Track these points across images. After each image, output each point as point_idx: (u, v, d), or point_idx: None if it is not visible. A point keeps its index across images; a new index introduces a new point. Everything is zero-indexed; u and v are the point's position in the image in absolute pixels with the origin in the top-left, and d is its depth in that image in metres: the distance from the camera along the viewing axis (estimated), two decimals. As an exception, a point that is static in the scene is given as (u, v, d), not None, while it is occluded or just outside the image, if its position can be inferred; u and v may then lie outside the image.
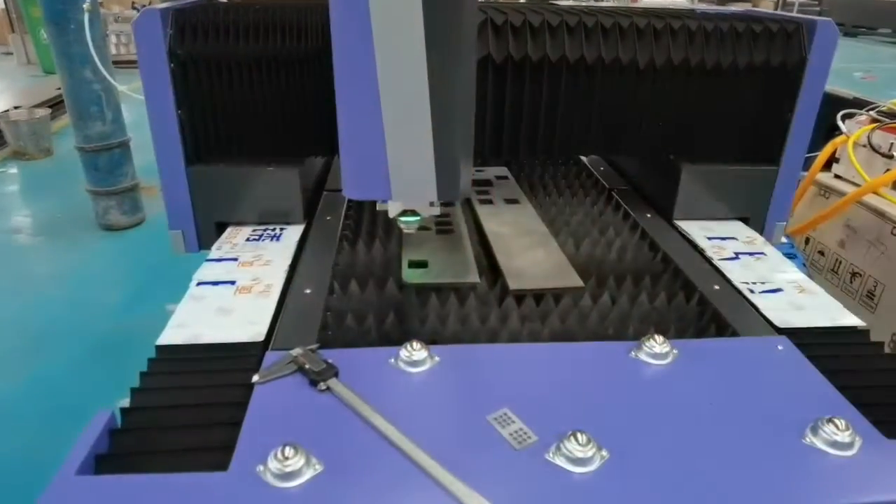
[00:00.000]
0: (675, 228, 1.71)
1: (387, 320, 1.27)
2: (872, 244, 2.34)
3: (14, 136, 6.15)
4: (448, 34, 1.10)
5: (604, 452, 0.88)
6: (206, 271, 1.38)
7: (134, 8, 10.99)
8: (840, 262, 2.51)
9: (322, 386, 1.00)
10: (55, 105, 6.84)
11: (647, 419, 0.98)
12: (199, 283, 1.33)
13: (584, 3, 1.95)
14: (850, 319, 1.27)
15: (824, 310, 1.31)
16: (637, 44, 1.54)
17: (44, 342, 3.26)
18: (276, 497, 0.81)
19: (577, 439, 0.87)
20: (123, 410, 0.97)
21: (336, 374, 1.02)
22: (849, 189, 2.45)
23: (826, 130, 2.55)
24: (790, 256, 1.75)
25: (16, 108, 6.56)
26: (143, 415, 0.97)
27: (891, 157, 2.36)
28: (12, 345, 3.25)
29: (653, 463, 0.89)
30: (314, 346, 1.08)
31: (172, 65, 1.46)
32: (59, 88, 4.37)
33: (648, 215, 1.79)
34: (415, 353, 1.06)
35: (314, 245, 1.55)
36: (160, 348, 1.12)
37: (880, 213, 2.30)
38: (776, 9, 14.16)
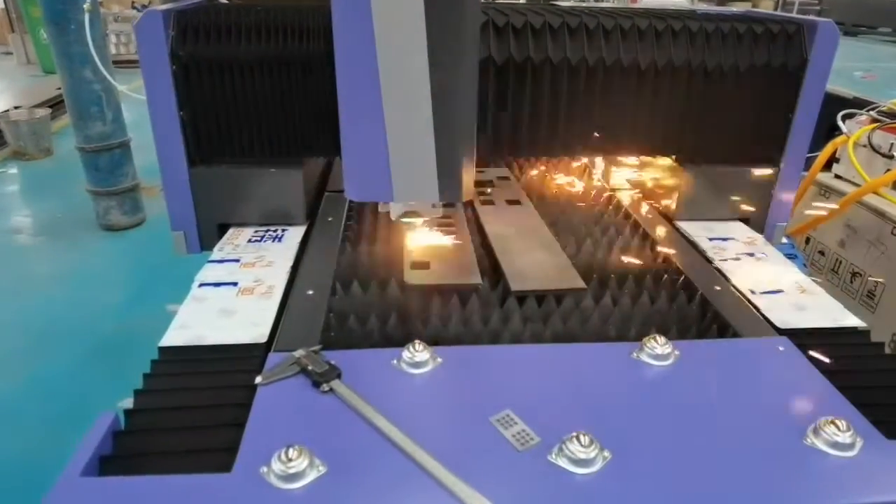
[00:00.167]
0: (677, 229, 1.72)
1: (389, 321, 1.27)
2: (873, 244, 2.34)
3: (14, 136, 6.15)
4: (450, 36, 1.10)
5: (606, 453, 0.88)
6: (209, 272, 1.39)
7: (134, 8, 10.99)
8: (840, 263, 2.51)
9: (325, 387, 1.00)
10: (55, 105, 6.84)
11: (648, 420, 0.98)
12: (201, 285, 1.33)
13: (584, 4, 1.96)
14: (851, 320, 1.28)
15: (825, 310, 1.31)
16: (638, 45, 1.54)
17: (44, 342, 3.26)
18: (279, 498, 0.81)
19: (579, 440, 0.88)
20: (127, 412, 0.97)
21: (339, 376, 1.02)
22: (849, 189, 2.45)
23: (826, 130, 2.55)
24: (791, 257, 1.75)
25: (16, 108, 6.57)
26: (146, 416, 0.97)
27: (891, 157, 2.36)
28: (13, 345, 3.25)
29: (655, 464, 0.89)
30: (317, 348, 1.08)
31: (174, 66, 1.46)
32: (59, 88, 4.38)
33: (650, 216, 1.80)
34: (417, 354, 1.07)
35: (316, 246, 1.55)
36: (163, 350, 1.12)
37: (880, 214, 2.30)
38: (776, 9, 14.16)
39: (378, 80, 1.12)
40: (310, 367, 1.03)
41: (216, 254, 1.48)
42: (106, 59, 4.03)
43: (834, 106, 2.57)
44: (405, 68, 1.11)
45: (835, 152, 2.59)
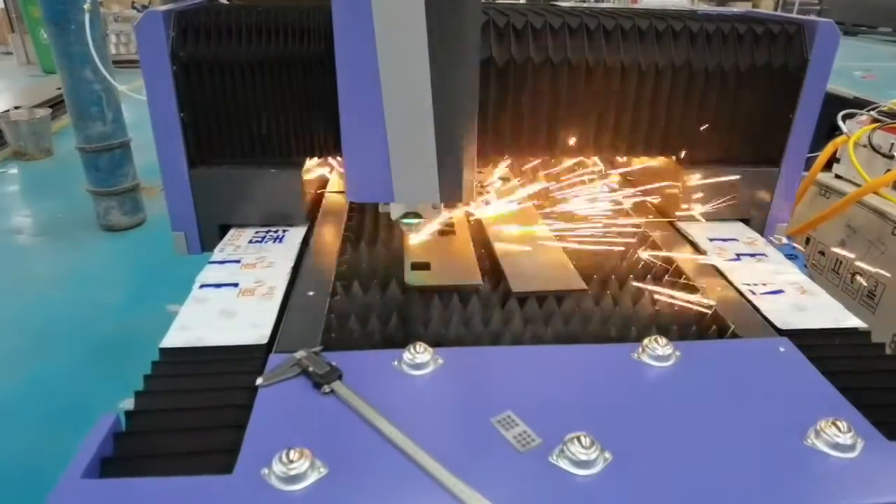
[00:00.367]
0: (677, 229, 1.72)
1: (390, 322, 1.27)
2: (873, 244, 2.34)
3: (14, 136, 6.15)
4: (451, 36, 1.10)
5: (607, 455, 0.88)
6: (209, 273, 1.39)
7: (134, 8, 10.98)
8: (841, 263, 2.51)
9: (326, 389, 1.00)
10: (55, 105, 6.84)
11: (649, 421, 0.98)
12: (202, 286, 1.33)
13: (585, 5, 1.95)
14: (852, 321, 1.28)
15: (826, 311, 1.31)
16: (639, 45, 1.54)
17: (45, 342, 3.26)
18: (280, 500, 0.81)
19: (580, 442, 0.88)
20: (128, 413, 0.97)
21: (340, 377, 1.02)
22: (849, 189, 2.45)
23: (827, 130, 2.55)
24: (791, 257, 1.75)
25: (16, 108, 6.56)
26: (147, 418, 0.97)
27: (891, 157, 2.36)
28: (13, 345, 3.25)
29: (656, 465, 0.89)
30: (318, 349, 1.08)
31: (175, 67, 1.46)
32: (59, 88, 4.37)
33: (650, 216, 1.80)
34: (418, 355, 1.07)
35: (317, 247, 1.55)
36: (164, 351, 1.12)
37: (881, 214, 2.30)
38: (776, 9, 14.15)
39: (378, 81, 1.12)
40: (311, 369, 1.03)
41: (217, 255, 1.48)
42: (106, 59, 4.03)
43: (834, 106, 2.57)
44: (406, 69, 1.11)
45: (835, 152, 2.58)
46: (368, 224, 1.73)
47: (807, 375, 1.10)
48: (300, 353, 1.06)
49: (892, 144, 2.36)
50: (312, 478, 0.83)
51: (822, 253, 2.62)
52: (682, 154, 1.72)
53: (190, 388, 1.04)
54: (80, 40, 3.79)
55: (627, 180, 2.09)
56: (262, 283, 1.34)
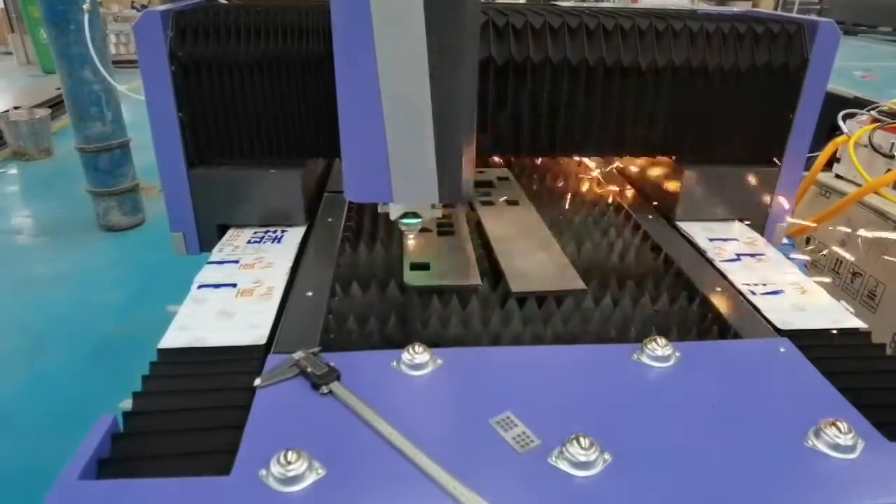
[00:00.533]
0: (677, 230, 1.71)
1: (389, 323, 1.27)
2: (873, 244, 2.34)
3: (14, 137, 6.15)
4: (450, 36, 1.10)
5: (606, 456, 0.88)
6: (208, 274, 1.38)
7: (133, 8, 10.99)
8: (841, 263, 2.51)
9: (324, 389, 1.00)
10: (55, 105, 6.84)
11: (649, 422, 0.98)
12: (200, 286, 1.33)
13: (585, 5, 1.95)
14: (852, 321, 1.27)
15: (826, 311, 1.31)
16: (639, 45, 1.54)
17: (44, 342, 3.26)
18: (278, 502, 0.81)
19: (579, 443, 0.87)
20: (126, 414, 0.97)
21: (338, 378, 1.02)
22: (850, 189, 2.44)
23: (827, 130, 2.54)
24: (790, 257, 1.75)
25: (16, 108, 6.56)
26: (145, 419, 0.97)
27: (892, 157, 2.35)
28: (13, 345, 3.25)
29: (655, 466, 0.89)
30: (316, 350, 1.08)
31: (173, 67, 1.46)
32: (59, 88, 4.37)
33: (650, 217, 1.79)
34: (417, 356, 1.06)
35: (316, 247, 1.55)
36: (162, 351, 1.12)
37: (881, 213, 2.30)
38: (776, 8, 14.15)
39: (377, 81, 1.12)
40: (309, 369, 1.02)
41: (216, 255, 1.48)
42: (105, 59, 4.03)
43: (834, 106, 2.56)
44: (405, 69, 1.11)
45: (835, 152, 2.58)
46: (367, 223, 1.73)
47: (807, 376, 1.09)
48: (299, 354, 1.06)
49: (893, 144, 2.36)
50: (310, 479, 0.83)
51: (822, 253, 2.61)
52: (682, 153, 1.72)
53: (188, 388, 1.04)
54: (80, 40, 3.79)
55: (627, 180, 2.09)
56: (260, 284, 1.34)
